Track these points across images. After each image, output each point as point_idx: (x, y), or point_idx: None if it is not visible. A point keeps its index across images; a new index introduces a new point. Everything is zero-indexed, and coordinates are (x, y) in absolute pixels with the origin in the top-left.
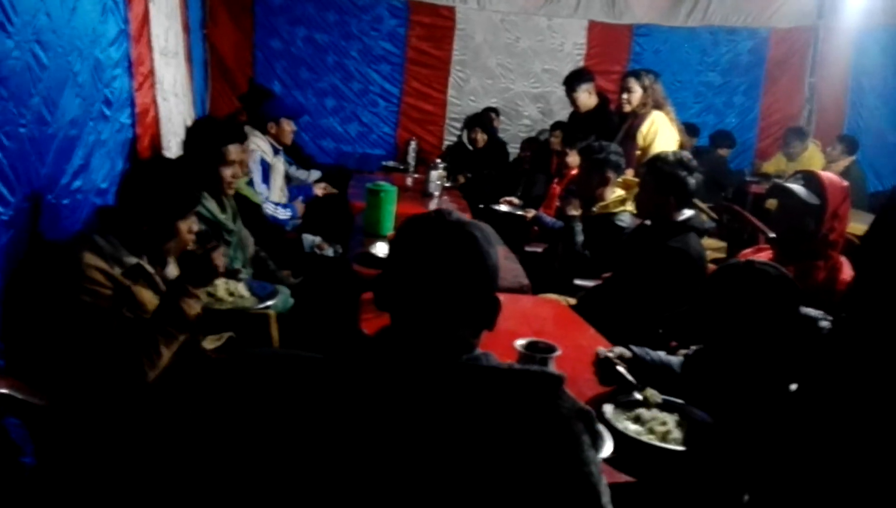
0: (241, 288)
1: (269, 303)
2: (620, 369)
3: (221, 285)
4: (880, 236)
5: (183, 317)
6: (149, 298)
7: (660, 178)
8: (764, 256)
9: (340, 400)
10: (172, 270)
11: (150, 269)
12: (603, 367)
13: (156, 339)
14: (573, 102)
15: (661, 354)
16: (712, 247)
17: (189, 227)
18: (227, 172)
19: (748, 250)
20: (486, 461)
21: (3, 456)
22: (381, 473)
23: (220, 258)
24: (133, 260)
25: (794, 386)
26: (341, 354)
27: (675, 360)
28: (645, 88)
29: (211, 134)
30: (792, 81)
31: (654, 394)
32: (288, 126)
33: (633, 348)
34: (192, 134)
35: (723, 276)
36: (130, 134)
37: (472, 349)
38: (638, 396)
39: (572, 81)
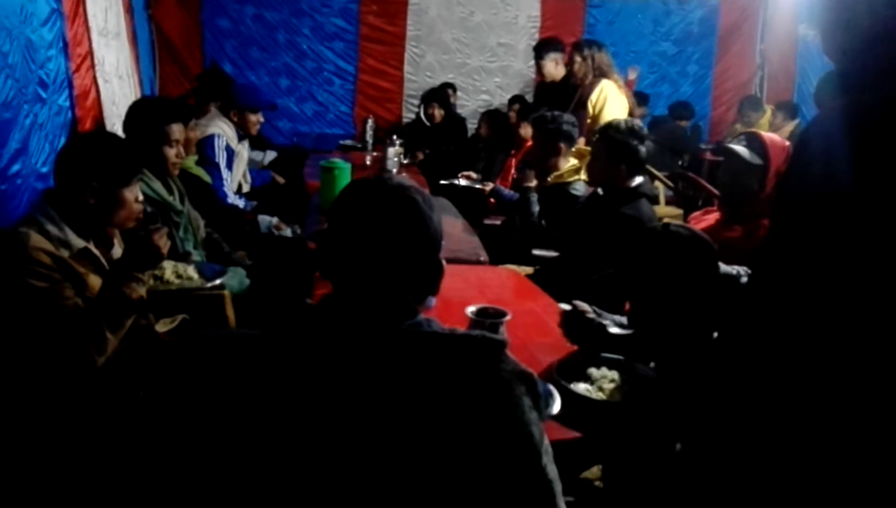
0: (190, 270)
1: (217, 282)
2: (592, 315)
3: (169, 268)
4: (789, 180)
5: (126, 301)
6: (96, 281)
7: (612, 146)
8: (711, 218)
9: (283, 373)
10: (118, 251)
11: (96, 252)
12: (571, 321)
13: (100, 324)
14: (539, 70)
15: (616, 316)
16: (669, 214)
17: (135, 196)
18: (171, 152)
19: (697, 213)
20: (428, 425)
21: None
22: (326, 443)
23: (162, 240)
24: (81, 243)
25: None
26: (283, 326)
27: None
28: (584, 58)
29: (152, 113)
30: (743, 48)
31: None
32: (254, 117)
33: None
34: (132, 114)
35: (641, 240)
36: (70, 116)
37: (414, 314)
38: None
39: (540, 50)
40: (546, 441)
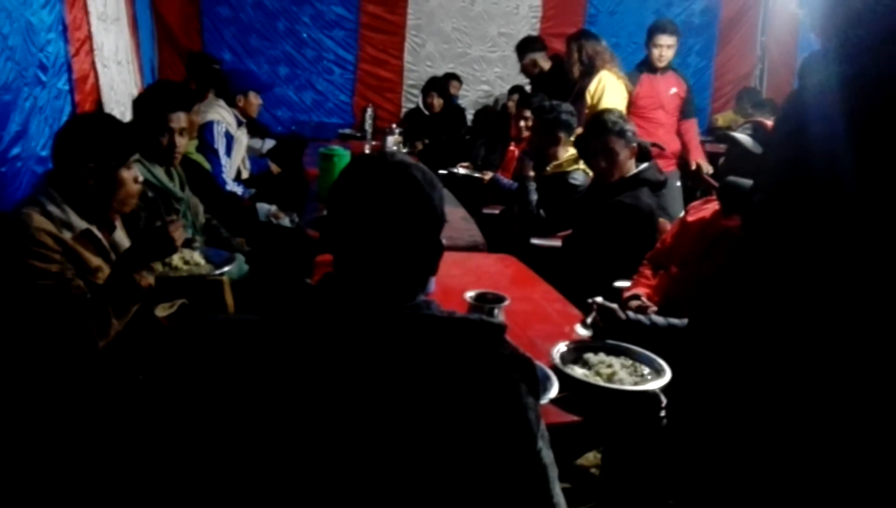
0: (197, 256)
1: (226, 269)
2: (630, 313)
3: (176, 254)
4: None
5: (135, 288)
6: (98, 264)
7: (610, 136)
8: (711, 207)
9: (283, 355)
10: (120, 234)
11: (98, 235)
12: (607, 315)
13: (107, 309)
14: (523, 65)
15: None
16: None
17: (134, 176)
18: (175, 141)
19: (697, 202)
20: (425, 407)
21: None
22: (324, 425)
23: (178, 232)
24: (83, 225)
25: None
26: (282, 307)
27: (644, 317)
28: (572, 51)
29: (156, 101)
30: (744, 40)
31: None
32: (255, 99)
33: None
34: (139, 99)
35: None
36: (69, 101)
37: (414, 295)
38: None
39: (519, 50)
40: (542, 426)
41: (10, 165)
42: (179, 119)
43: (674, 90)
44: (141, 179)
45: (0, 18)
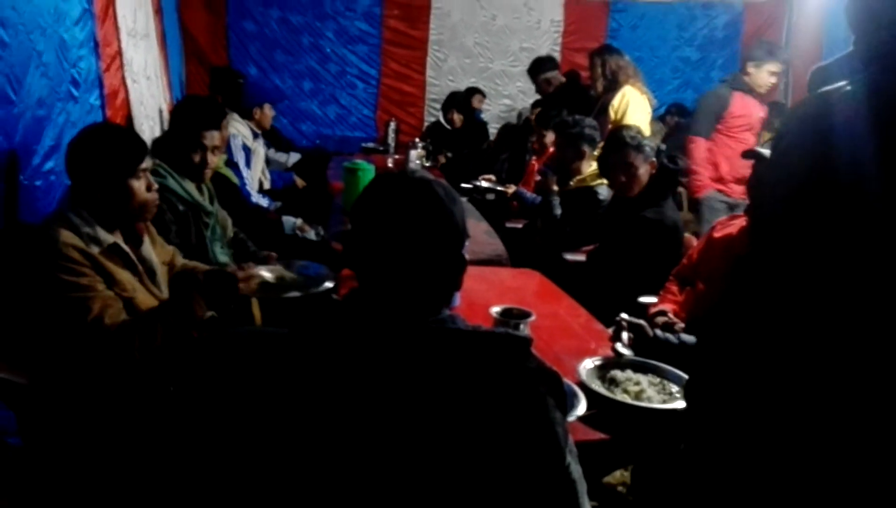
0: (290, 274)
1: (328, 285)
2: (658, 331)
3: (272, 274)
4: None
5: (192, 316)
6: (126, 278)
7: (630, 150)
8: (738, 223)
9: (311, 369)
10: (148, 248)
11: (125, 248)
12: (635, 332)
13: (156, 327)
14: (537, 88)
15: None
16: (689, 219)
17: (146, 185)
18: (206, 158)
19: (723, 218)
20: (452, 421)
21: None
22: (351, 438)
23: (252, 281)
24: (110, 239)
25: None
26: (310, 322)
27: (672, 336)
28: (595, 66)
29: (191, 118)
30: None
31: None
32: (270, 112)
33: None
34: (174, 117)
35: None
36: (100, 116)
37: (438, 310)
38: (623, 350)
39: (532, 71)
40: (570, 441)
41: (45, 179)
42: (213, 137)
43: (761, 114)
44: (156, 186)
45: (35, 36)
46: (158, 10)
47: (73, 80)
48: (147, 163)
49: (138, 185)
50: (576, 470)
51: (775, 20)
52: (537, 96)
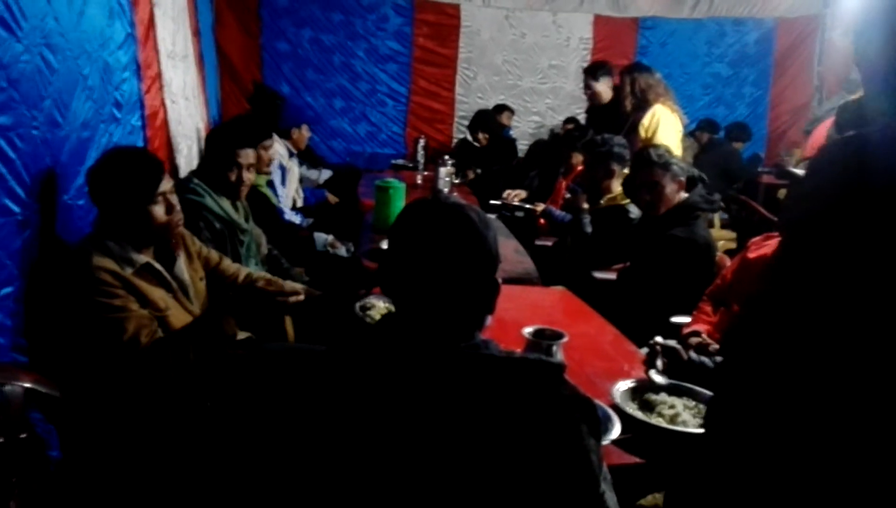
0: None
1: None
2: (693, 354)
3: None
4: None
5: (222, 334)
6: (160, 295)
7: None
8: (773, 243)
9: (344, 390)
10: (181, 266)
11: (158, 266)
12: (669, 355)
13: (187, 346)
14: (590, 90)
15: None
16: (723, 237)
17: (167, 206)
18: (241, 175)
19: (758, 239)
20: (485, 448)
21: (30, 450)
22: (383, 460)
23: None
24: (143, 259)
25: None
26: (346, 343)
27: (707, 360)
28: (625, 84)
29: (226, 138)
30: (800, 70)
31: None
32: (307, 132)
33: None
34: (211, 137)
35: None
36: (141, 136)
37: (472, 335)
38: (657, 378)
39: (595, 71)
40: (605, 468)
41: (87, 198)
42: (248, 155)
43: None
44: (178, 206)
45: (81, 60)
46: (196, 32)
47: (115, 102)
48: (165, 186)
49: (157, 209)
50: (610, 498)
51: (807, 36)
52: (567, 113)
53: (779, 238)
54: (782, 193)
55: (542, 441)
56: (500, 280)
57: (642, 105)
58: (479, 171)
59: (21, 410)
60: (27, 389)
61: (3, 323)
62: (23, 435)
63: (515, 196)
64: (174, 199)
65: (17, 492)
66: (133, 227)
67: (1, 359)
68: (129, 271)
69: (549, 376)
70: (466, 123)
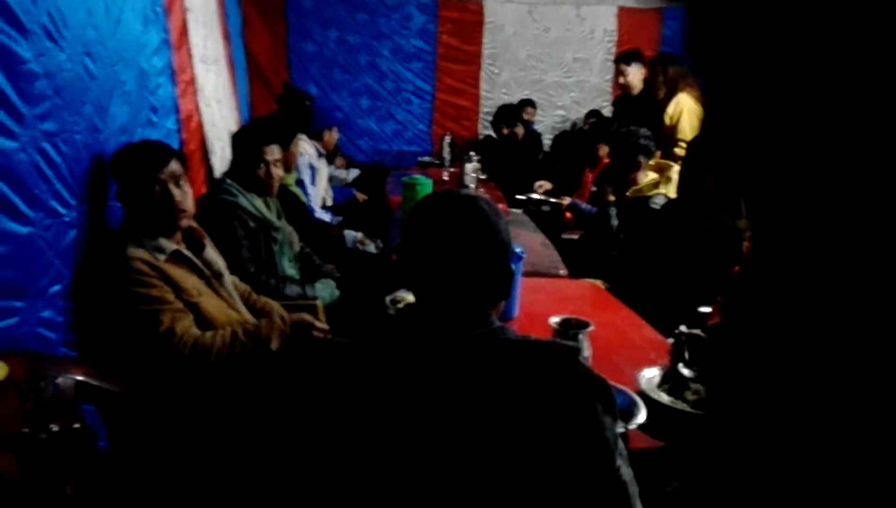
0: None
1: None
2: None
3: None
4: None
5: (265, 348)
6: (193, 282)
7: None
8: None
9: (370, 379)
10: (211, 252)
11: (187, 253)
12: (693, 343)
13: (231, 353)
14: (622, 77)
15: None
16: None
17: (174, 188)
18: (269, 171)
19: None
20: (504, 428)
21: (82, 439)
22: (407, 444)
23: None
24: (172, 246)
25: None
26: (370, 335)
27: None
28: (656, 74)
29: (251, 136)
30: None
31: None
32: (336, 134)
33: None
34: (236, 137)
35: None
36: (176, 139)
37: (488, 322)
38: (685, 372)
39: (629, 58)
40: (621, 445)
41: None
42: (273, 151)
43: None
44: (188, 193)
45: (119, 67)
46: (226, 36)
47: (151, 106)
48: (172, 168)
49: (160, 188)
50: (626, 472)
51: None
52: (592, 106)
53: None
54: None
55: (559, 420)
56: (513, 267)
57: (673, 94)
58: (503, 166)
59: (74, 401)
60: (78, 381)
61: (53, 320)
62: (76, 425)
63: (540, 187)
64: (185, 185)
65: (71, 479)
66: (146, 209)
67: (52, 354)
68: (161, 259)
69: (564, 357)
70: (491, 118)
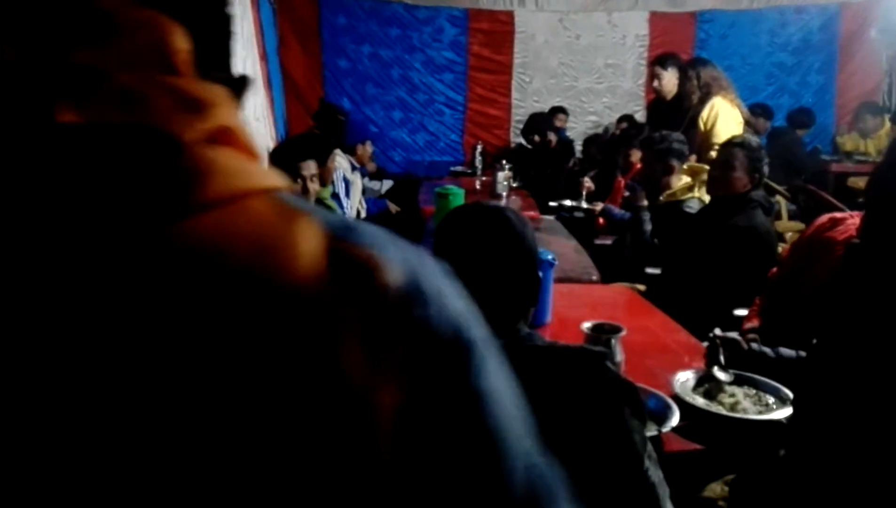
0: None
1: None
2: (754, 344)
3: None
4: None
5: None
6: None
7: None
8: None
9: None
10: None
11: None
12: (729, 347)
13: None
14: (658, 80)
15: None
16: (791, 229)
17: None
18: (306, 186)
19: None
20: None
21: None
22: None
23: None
24: None
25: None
26: None
27: (769, 349)
28: (689, 78)
29: (287, 153)
30: (868, 55)
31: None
32: (370, 148)
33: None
34: (273, 155)
35: None
36: None
37: (516, 329)
38: (721, 376)
39: (664, 61)
40: (650, 447)
41: None
42: (309, 167)
43: None
44: None
45: None
46: (263, 56)
47: None
48: None
49: None
50: (655, 475)
51: (874, 20)
52: (624, 111)
53: (849, 221)
54: (853, 181)
55: (587, 424)
56: (541, 275)
57: (707, 98)
58: (534, 174)
59: None
60: None
61: None
62: None
63: (585, 186)
64: None
65: None
66: None
67: None
68: None
69: (591, 362)
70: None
